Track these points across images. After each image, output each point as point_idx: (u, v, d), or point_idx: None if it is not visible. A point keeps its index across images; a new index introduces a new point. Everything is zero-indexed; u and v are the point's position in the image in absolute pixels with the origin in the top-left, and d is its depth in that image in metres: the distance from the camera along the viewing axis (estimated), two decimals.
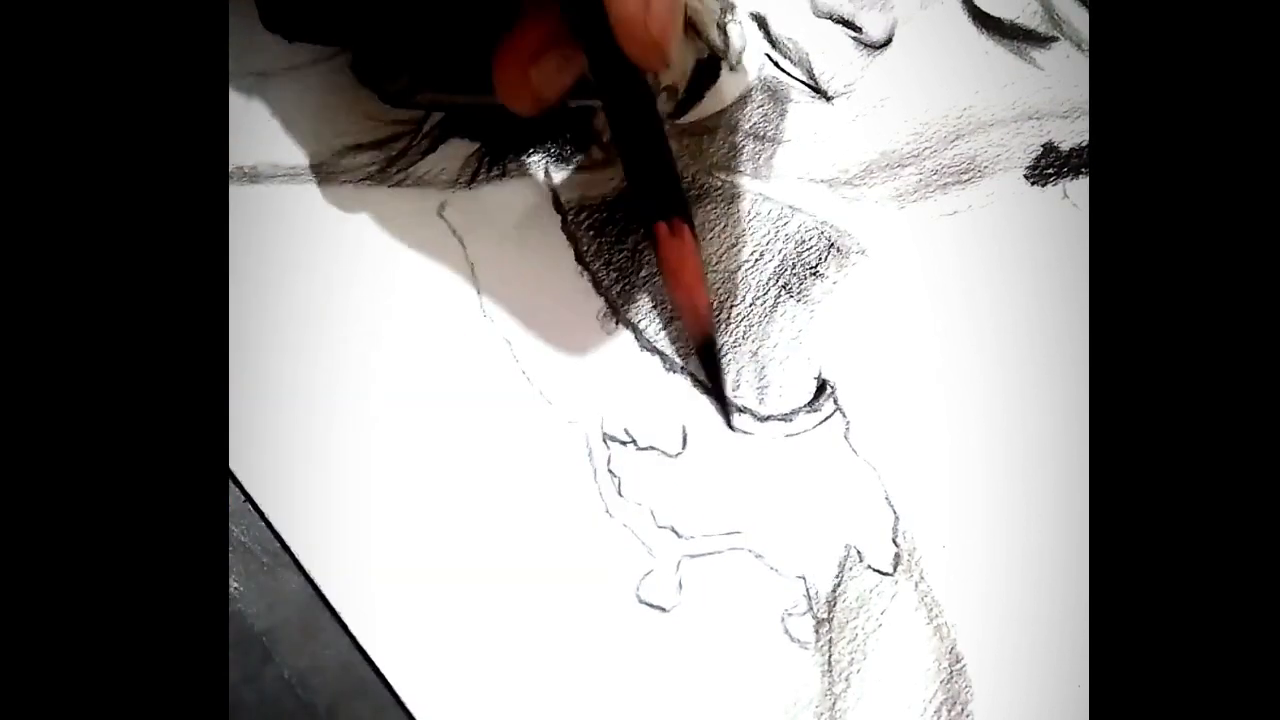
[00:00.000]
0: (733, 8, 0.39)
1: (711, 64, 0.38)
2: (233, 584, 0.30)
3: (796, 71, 0.38)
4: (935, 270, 0.35)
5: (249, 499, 0.31)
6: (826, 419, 0.33)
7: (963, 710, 0.29)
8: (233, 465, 0.31)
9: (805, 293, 0.35)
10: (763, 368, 0.33)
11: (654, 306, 0.34)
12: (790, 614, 0.30)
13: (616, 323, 0.34)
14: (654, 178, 0.33)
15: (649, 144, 0.33)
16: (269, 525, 0.31)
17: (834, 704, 0.29)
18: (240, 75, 0.35)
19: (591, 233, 0.35)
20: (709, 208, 0.36)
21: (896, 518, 0.31)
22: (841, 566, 0.31)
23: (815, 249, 0.35)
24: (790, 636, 0.30)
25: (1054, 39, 0.39)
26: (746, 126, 0.37)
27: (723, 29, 0.38)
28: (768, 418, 0.33)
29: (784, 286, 0.35)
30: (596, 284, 0.34)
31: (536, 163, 0.36)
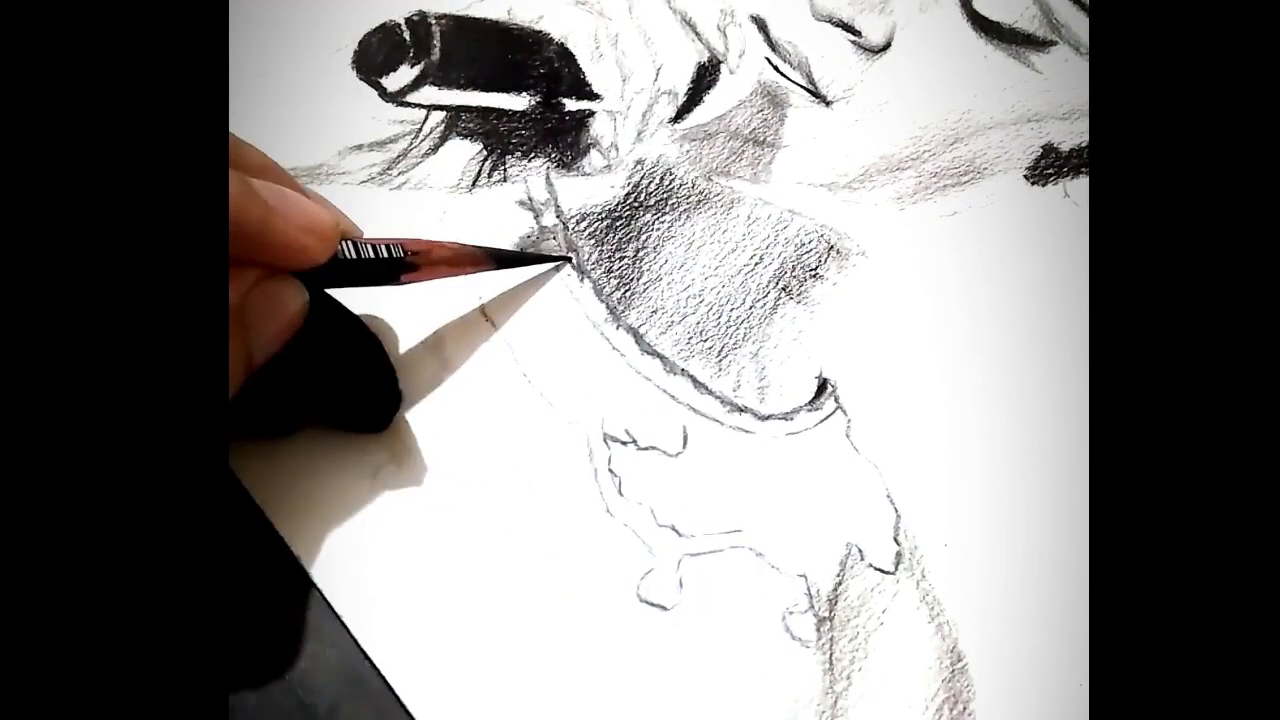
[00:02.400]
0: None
1: (712, 67, 0.38)
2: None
3: (796, 75, 0.38)
4: (936, 270, 0.35)
5: (250, 500, 0.31)
6: (827, 418, 0.33)
7: (964, 709, 0.29)
8: (233, 466, 0.31)
9: (805, 294, 0.35)
10: (763, 368, 0.33)
11: (654, 311, 0.34)
12: (791, 612, 0.30)
13: (617, 327, 0.34)
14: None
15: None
16: (270, 526, 0.31)
17: (835, 702, 0.29)
18: (241, 76, 0.36)
19: (592, 240, 0.35)
20: (709, 213, 0.36)
21: (898, 516, 0.31)
22: (843, 565, 0.31)
23: (815, 252, 0.35)
24: (791, 635, 0.30)
25: (1052, 42, 0.39)
26: (746, 131, 0.37)
27: (723, 32, 0.39)
28: (768, 417, 0.33)
29: (784, 289, 0.35)
30: (597, 290, 0.34)
31: (538, 168, 0.36)
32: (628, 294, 0.34)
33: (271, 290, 0.28)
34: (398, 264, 0.31)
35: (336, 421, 0.32)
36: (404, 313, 0.33)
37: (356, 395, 0.31)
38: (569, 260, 0.34)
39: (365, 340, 0.32)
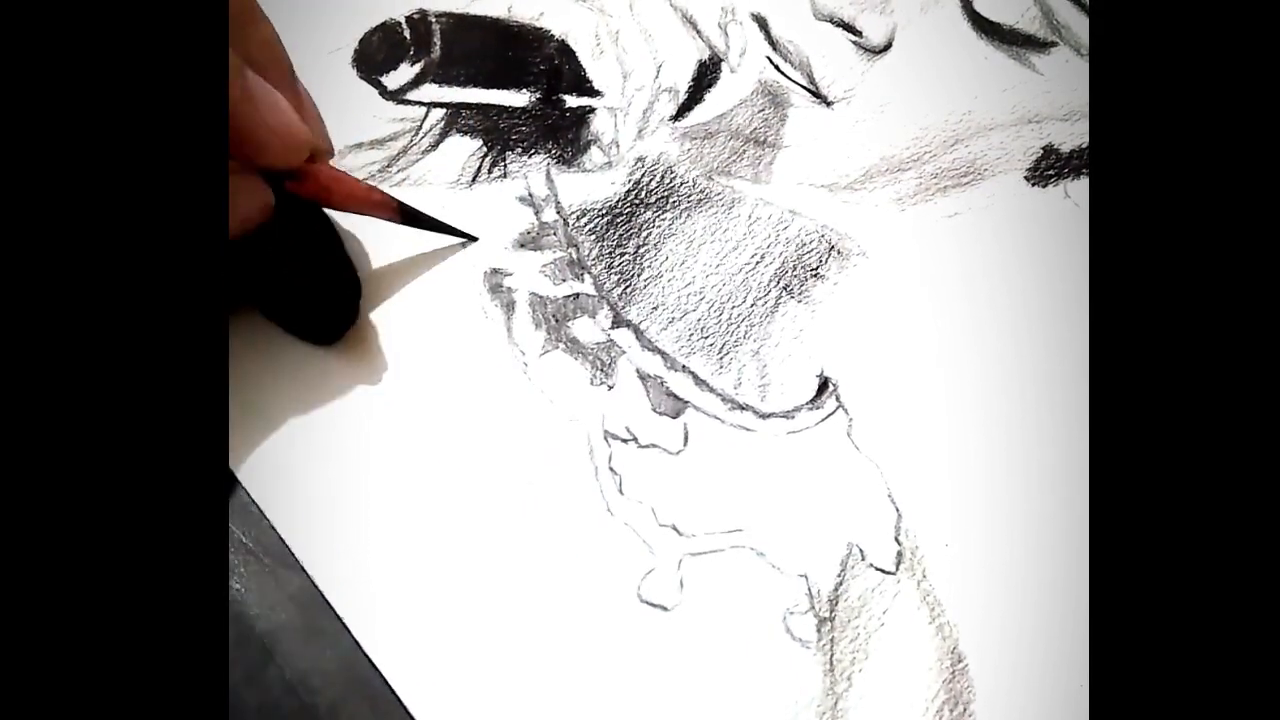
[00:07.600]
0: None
1: (713, 65, 0.38)
2: (234, 585, 0.30)
3: (797, 75, 0.38)
4: (936, 270, 0.35)
5: (250, 499, 0.31)
6: (829, 416, 0.33)
7: (965, 709, 0.29)
8: (233, 466, 0.31)
9: (806, 293, 0.35)
10: (764, 366, 0.33)
11: (654, 308, 0.34)
12: (792, 612, 0.30)
13: (618, 324, 0.34)
14: None
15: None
16: (270, 526, 0.31)
17: (836, 703, 0.29)
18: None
19: (593, 236, 0.35)
20: (709, 212, 0.36)
21: (899, 516, 0.31)
22: (844, 565, 0.31)
23: (816, 251, 0.35)
24: (792, 635, 0.30)
25: (1053, 44, 0.39)
26: (747, 130, 0.37)
27: (723, 30, 0.39)
28: (769, 415, 0.33)
29: (785, 288, 0.35)
30: (598, 286, 0.34)
31: (538, 165, 0.36)
32: (628, 290, 0.34)
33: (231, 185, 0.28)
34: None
35: (286, 319, 0.33)
36: (405, 309, 0.33)
37: (311, 296, 0.33)
38: (474, 239, 0.35)
39: (332, 247, 0.33)
